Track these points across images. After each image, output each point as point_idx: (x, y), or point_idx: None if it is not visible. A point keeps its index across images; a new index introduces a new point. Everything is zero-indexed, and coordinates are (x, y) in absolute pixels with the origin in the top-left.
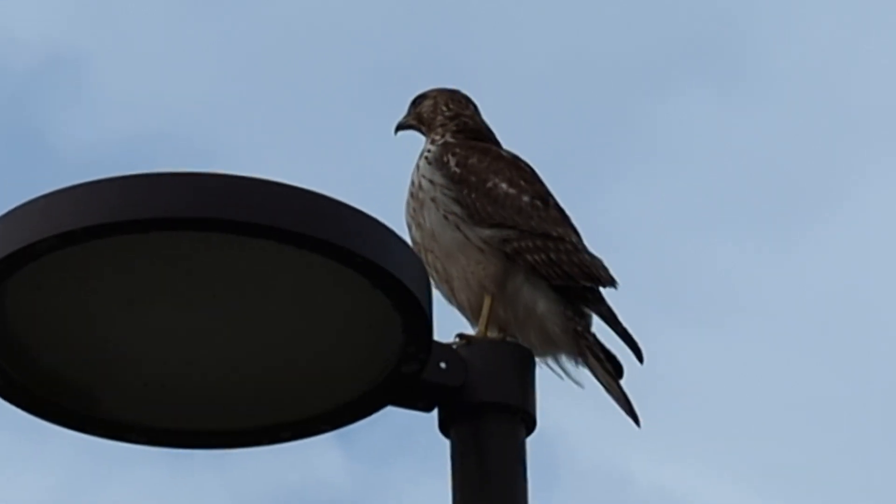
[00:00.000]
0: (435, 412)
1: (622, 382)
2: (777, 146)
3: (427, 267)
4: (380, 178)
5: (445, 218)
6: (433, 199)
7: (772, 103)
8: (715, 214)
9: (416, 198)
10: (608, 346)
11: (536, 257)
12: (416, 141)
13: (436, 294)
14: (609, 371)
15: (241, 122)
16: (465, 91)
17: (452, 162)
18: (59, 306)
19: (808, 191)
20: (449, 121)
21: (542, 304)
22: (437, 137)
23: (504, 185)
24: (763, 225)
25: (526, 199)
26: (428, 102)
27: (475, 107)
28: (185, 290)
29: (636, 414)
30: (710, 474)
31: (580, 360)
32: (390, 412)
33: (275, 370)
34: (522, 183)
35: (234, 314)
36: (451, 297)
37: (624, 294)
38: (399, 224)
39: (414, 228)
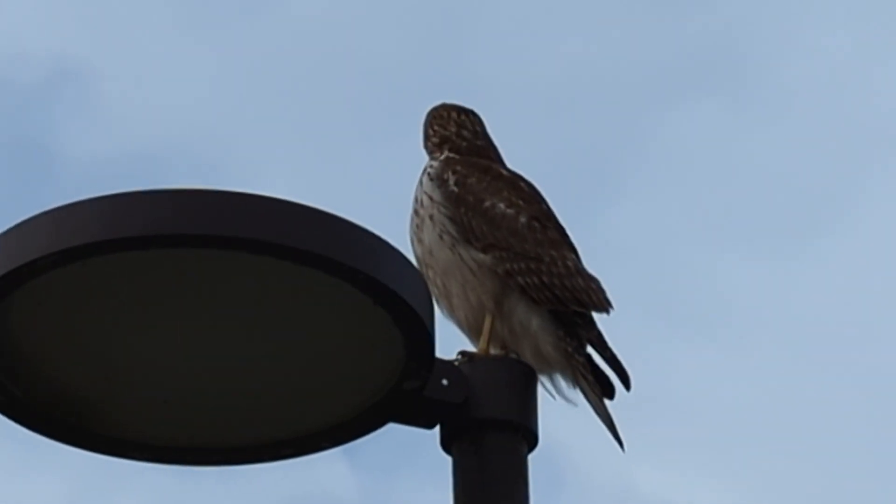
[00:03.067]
0: (437, 429)
1: (612, 402)
2: (786, 160)
3: (428, 283)
4: (385, 193)
5: (440, 237)
6: (431, 217)
7: (781, 116)
8: (722, 229)
9: (418, 214)
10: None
11: (528, 280)
12: (422, 157)
13: (437, 310)
14: (597, 392)
15: (249, 137)
16: (466, 104)
17: (452, 180)
18: (62, 323)
19: (817, 205)
20: (442, 142)
21: (536, 322)
22: (438, 153)
23: (502, 206)
24: (770, 240)
25: (523, 220)
26: (429, 120)
27: (475, 120)
28: (185, 306)
29: (619, 437)
30: (717, 489)
31: (573, 379)
32: (393, 426)
33: (276, 386)
34: (521, 203)
35: (235, 330)
36: (451, 314)
37: (629, 309)
38: (402, 241)
39: (416, 244)
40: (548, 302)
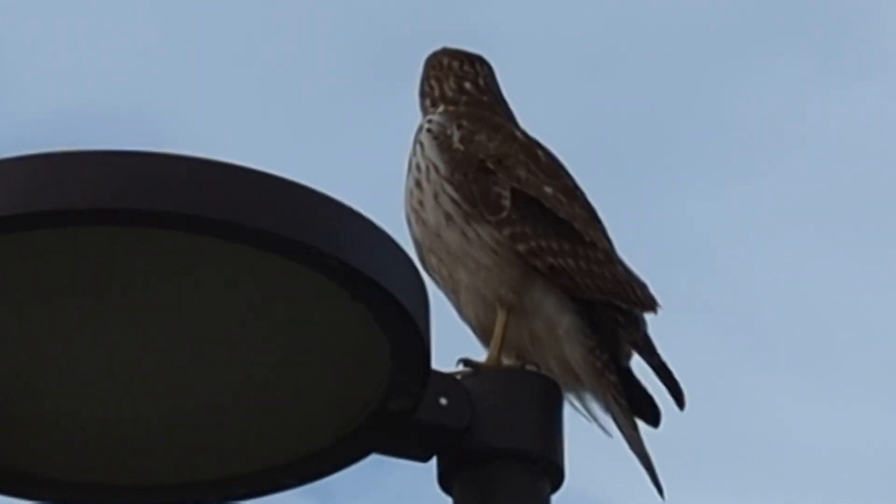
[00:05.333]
0: (433, 461)
1: (656, 432)
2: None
3: (431, 273)
4: (367, 161)
5: (449, 214)
6: (438, 191)
7: (888, 81)
8: (812, 222)
9: (420, 186)
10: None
11: (561, 262)
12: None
13: (437, 309)
14: (633, 423)
15: (199, 97)
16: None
17: (456, 137)
18: None
19: None
20: (441, 100)
21: (566, 321)
22: (438, 107)
23: (521, 173)
24: (875, 236)
25: (548, 191)
26: (426, 71)
27: (482, 71)
28: (109, 304)
29: (658, 480)
30: None
31: (602, 402)
32: (376, 461)
33: (226, 408)
34: (541, 175)
35: (172, 335)
36: (461, 313)
37: (690, 321)
38: (389, 220)
39: (415, 223)
40: (588, 290)
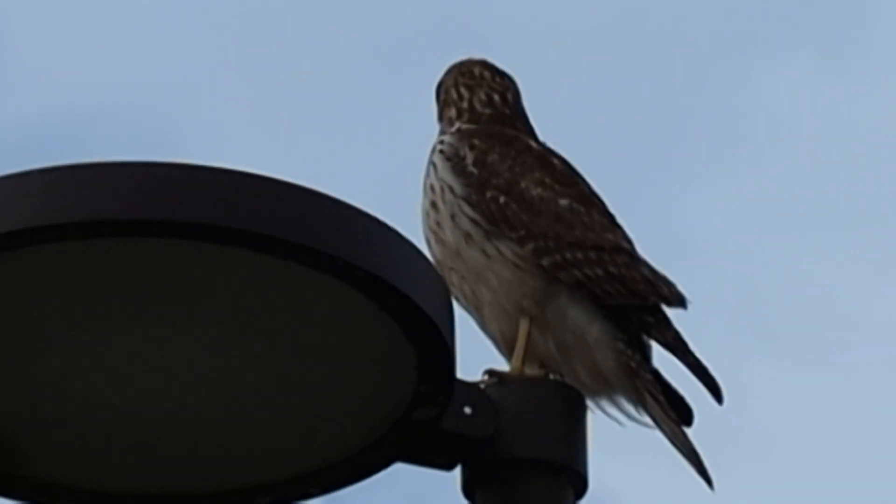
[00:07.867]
0: (458, 470)
1: (691, 431)
2: None
3: (453, 290)
4: (388, 171)
5: (468, 234)
6: (454, 212)
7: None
8: (817, 217)
9: (436, 208)
10: (675, 384)
11: (588, 272)
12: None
13: (461, 320)
14: (673, 418)
15: (209, 98)
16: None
17: (469, 159)
18: None
19: None
20: (462, 115)
21: (595, 330)
22: (450, 127)
23: (536, 188)
24: (879, 230)
25: (563, 203)
26: (455, 80)
27: (507, 84)
28: (132, 314)
29: (707, 472)
30: None
31: (639, 403)
32: (400, 470)
33: (250, 416)
34: (556, 186)
35: (198, 345)
36: (484, 328)
37: (700, 319)
38: (414, 232)
39: (434, 244)
40: (619, 295)
